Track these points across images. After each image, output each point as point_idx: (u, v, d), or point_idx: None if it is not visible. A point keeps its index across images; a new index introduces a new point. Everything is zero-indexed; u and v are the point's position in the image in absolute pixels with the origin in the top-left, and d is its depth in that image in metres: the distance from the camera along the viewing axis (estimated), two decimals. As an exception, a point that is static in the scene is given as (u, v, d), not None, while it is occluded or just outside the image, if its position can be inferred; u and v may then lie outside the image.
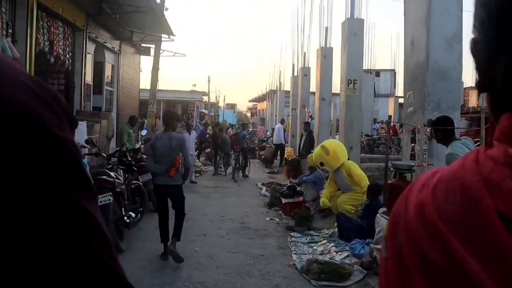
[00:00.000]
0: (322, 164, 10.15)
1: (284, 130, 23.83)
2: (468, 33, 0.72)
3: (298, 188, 12.29)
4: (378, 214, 7.13)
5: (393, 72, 38.95)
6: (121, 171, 9.13)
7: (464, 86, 21.68)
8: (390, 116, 8.39)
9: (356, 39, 12.21)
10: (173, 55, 23.58)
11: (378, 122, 27.47)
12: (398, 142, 24.05)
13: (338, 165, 9.87)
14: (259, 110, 63.79)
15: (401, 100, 38.78)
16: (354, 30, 12.18)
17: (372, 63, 28.42)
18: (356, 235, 8.18)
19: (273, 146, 25.59)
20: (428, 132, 5.67)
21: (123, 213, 7.76)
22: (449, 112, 6.91)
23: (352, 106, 12.28)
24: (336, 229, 9.26)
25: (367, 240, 7.79)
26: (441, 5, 6.89)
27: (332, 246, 8.30)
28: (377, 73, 35.11)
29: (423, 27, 6.93)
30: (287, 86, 32.81)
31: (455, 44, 7.03)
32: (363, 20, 12.51)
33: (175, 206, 7.60)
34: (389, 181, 6.94)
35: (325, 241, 8.74)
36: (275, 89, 40.44)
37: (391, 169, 7.08)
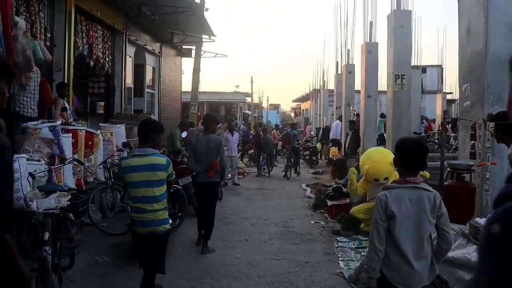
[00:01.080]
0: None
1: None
2: None
3: (344, 190, 11.71)
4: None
5: (440, 68, 37.70)
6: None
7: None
8: (445, 111, 7.74)
9: (403, 31, 11.54)
10: (215, 56, 23.37)
11: (424, 119, 26.52)
12: (448, 139, 23.13)
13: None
14: (303, 109, 63.10)
15: (449, 97, 37.68)
16: (401, 22, 11.51)
17: (418, 59, 27.47)
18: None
19: (316, 145, 25.03)
20: (491, 127, 5.06)
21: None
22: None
23: (400, 103, 11.61)
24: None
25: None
26: (500, -13, 6.26)
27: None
28: (423, 69, 34.02)
29: (481, 12, 6.32)
30: (331, 85, 32.17)
31: (516, 30, 6.39)
32: (410, 11, 11.83)
33: (208, 204, 8.08)
34: (445, 183, 6.33)
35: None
36: (318, 88, 39.76)
37: (448, 169, 6.47)
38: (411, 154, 3.64)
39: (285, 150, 20.03)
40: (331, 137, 22.97)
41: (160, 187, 4.98)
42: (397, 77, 11.48)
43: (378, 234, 3.57)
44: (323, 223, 10.17)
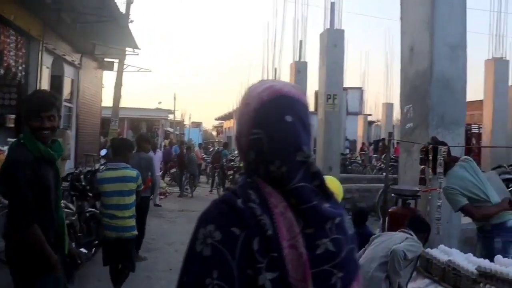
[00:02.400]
0: None
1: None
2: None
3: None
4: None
5: (360, 90, 38.67)
6: (74, 197, 7.93)
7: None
8: (390, 133, 7.47)
9: (336, 51, 11.39)
10: (138, 70, 22.49)
11: (347, 140, 26.97)
12: (370, 160, 23.44)
13: None
14: (225, 128, 62.77)
15: (370, 118, 38.58)
16: (334, 41, 11.36)
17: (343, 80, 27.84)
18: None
19: (240, 165, 24.61)
20: (445, 152, 4.74)
21: (73, 249, 6.61)
22: (453, 128, 6.08)
23: (331, 124, 11.42)
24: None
25: (358, 273, 6.82)
26: (445, 6, 6.06)
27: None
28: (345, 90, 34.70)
29: (426, 31, 6.09)
30: (255, 104, 31.90)
31: (459, 52, 6.21)
32: (343, 30, 11.70)
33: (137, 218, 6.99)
34: (390, 209, 5.98)
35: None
36: (242, 107, 39.48)
37: (392, 194, 6.13)
38: None
39: (214, 169, 20.13)
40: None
41: (130, 196, 5.70)
42: (329, 97, 11.27)
43: None
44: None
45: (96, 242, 7.70)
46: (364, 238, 7.51)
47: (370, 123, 39.00)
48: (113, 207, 5.60)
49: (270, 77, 22.02)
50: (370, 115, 39.15)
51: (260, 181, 1.32)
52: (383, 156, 22.41)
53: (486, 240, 4.78)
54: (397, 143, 10.10)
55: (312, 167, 1.33)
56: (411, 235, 4.30)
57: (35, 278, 3.05)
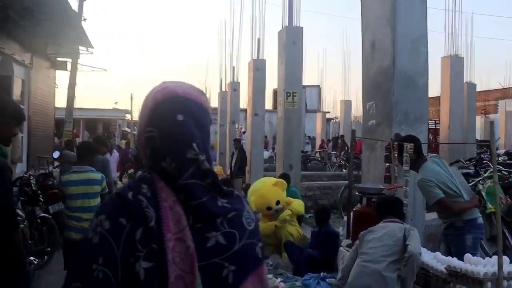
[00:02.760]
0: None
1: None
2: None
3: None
4: (341, 248, 6.04)
5: (318, 87, 38.89)
6: (24, 203, 7.53)
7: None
8: (353, 131, 7.35)
9: (295, 48, 11.25)
10: (93, 70, 21.89)
11: (308, 137, 27.04)
12: (329, 157, 23.50)
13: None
14: (183, 127, 62.07)
15: (328, 115, 38.83)
16: (292, 38, 11.22)
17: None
18: (307, 267, 7.10)
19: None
20: (410, 149, 4.65)
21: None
22: (417, 125, 6.01)
23: (292, 122, 11.29)
24: (279, 258, 8.16)
25: (321, 274, 6.70)
26: (406, 2, 5.98)
27: (281, 282, 7.11)
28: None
29: (387, 27, 6.00)
30: (214, 103, 31.76)
31: (421, 48, 6.15)
32: (302, 28, 11.56)
33: None
34: (355, 208, 5.86)
35: (270, 275, 7.55)
36: (200, 106, 39.01)
37: (357, 193, 6.02)
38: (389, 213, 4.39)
39: None
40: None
41: (95, 199, 5.70)
42: (289, 94, 11.14)
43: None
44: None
45: (49, 249, 7.35)
46: (327, 236, 7.41)
47: (328, 120, 39.27)
48: (78, 210, 5.63)
49: (229, 76, 21.80)
50: (328, 112, 39.45)
51: (155, 177, 1.40)
52: (342, 153, 22.53)
53: (457, 237, 4.75)
54: (358, 140, 10.05)
55: (203, 165, 1.40)
56: (403, 223, 4.23)
57: (19, 275, 3.23)
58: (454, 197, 4.77)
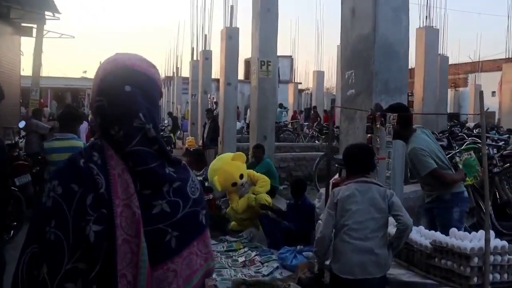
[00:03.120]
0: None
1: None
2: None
3: (207, 184, 10.85)
4: (319, 221, 5.88)
5: (290, 58, 38.59)
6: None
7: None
8: (333, 100, 7.11)
9: (270, 16, 10.96)
10: (60, 37, 21.15)
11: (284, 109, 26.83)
12: (301, 128, 23.39)
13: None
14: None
15: (300, 86, 38.64)
16: (267, 5, 10.91)
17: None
18: (284, 241, 6.97)
19: (171, 135, 24.01)
20: (393, 119, 4.48)
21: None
22: (397, 96, 5.84)
23: (266, 91, 11.06)
24: (255, 231, 8.02)
25: (298, 247, 6.58)
26: (388, -33, 5.75)
27: (256, 256, 6.96)
28: (275, 59, 34.49)
29: (368, -8, 5.75)
30: (185, 72, 31.27)
31: (402, 16, 5.94)
32: (277, -5, 11.23)
33: None
34: (332, 180, 5.68)
35: (245, 249, 7.40)
36: (171, 75, 38.42)
37: (336, 165, 5.84)
38: (358, 161, 3.99)
39: None
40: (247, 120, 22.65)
41: None
42: (263, 63, 10.90)
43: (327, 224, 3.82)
44: (185, 222, 9.16)
45: (15, 223, 7.05)
46: (303, 209, 7.26)
47: (300, 91, 39.10)
48: None
49: (200, 44, 21.35)
50: (300, 83, 39.25)
51: (105, 144, 1.48)
52: (315, 124, 22.43)
53: (444, 210, 4.65)
54: (329, 112, 9.88)
55: (149, 133, 1.47)
56: (381, 185, 3.88)
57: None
58: (444, 169, 4.68)
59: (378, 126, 4.59)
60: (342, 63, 6.32)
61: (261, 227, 7.83)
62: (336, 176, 5.67)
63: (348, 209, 3.69)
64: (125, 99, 1.47)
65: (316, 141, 19.94)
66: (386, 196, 3.72)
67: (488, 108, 8.49)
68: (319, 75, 28.46)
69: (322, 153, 11.27)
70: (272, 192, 8.75)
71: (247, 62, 43.60)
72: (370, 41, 5.69)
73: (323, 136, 20.34)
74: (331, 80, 35.03)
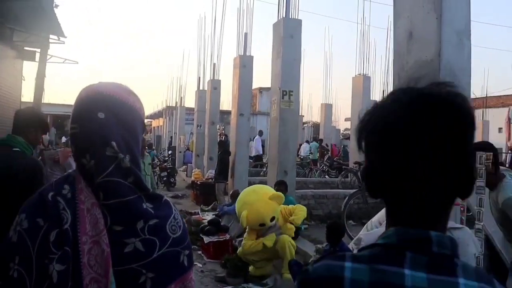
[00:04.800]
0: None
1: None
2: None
3: (222, 223, 10.01)
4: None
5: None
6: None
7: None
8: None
9: (293, 42, 10.28)
10: (63, 62, 20.48)
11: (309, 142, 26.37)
12: (315, 162, 22.47)
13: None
14: (154, 127, 60.71)
15: (303, 119, 38.10)
16: (290, 31, 10.25)
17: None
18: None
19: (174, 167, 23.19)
20: (488, 160, 3.67)
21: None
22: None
23: (287, 122, 10.29)
24: (277, 278, 7.21)
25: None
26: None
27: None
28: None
29: (432, 13, 5.03)
30: (188, 102, 30.68)
31: (465, 41, 5.21)
32: (301, 20, 10.57)
33: None
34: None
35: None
36: (173, 105, 37.75)
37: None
38: None
39: None
40: (253, 153, 22.82)
41: None
42: (285, 93, 10.17)
43: None
44: (200, 265, 8.32)
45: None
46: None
47: (303, 124, 38.63)
48: None
49: (208, 73, 20.71)
50: (303, 116, 38.79)
51: (77, 176, 1.40)
52: (325, 158, 21.65)
53: None
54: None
55: (123, 163, 1.37)
56: None
57: None
58: None
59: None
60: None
61: (287, 274, 7.01)
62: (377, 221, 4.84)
63: None
64: (97, 126, 1.38)
65: (326, 176, 19.15)
66: None
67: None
68: (327, 108, 27.79)
69: (354, 191, 10.44)
70: (295, 233, 7.94)
71: (259, 91, 43.40)
72: (434, 67, 4.94)
73: (334, 171, 19.60)
74: (336, 114, 34.55)
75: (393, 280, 0.97)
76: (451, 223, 2.71)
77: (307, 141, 27.36)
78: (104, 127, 1.38)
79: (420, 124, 1.01)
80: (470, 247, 2.79)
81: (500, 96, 36.56)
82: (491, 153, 3.75)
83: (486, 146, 3.98)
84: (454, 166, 1.00)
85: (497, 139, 23.65)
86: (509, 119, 26.91)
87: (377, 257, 1.01)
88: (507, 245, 4.10)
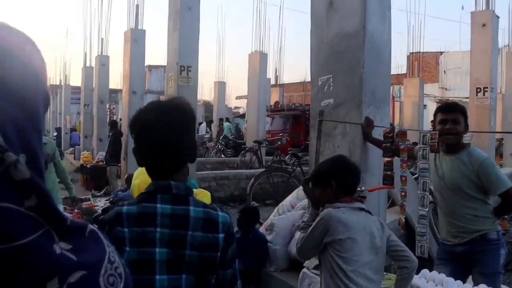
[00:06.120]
0: None
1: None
2: None
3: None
4: (304, 270, 4.64)
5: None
6: None
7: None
8: (322, 112, 5.87)
9: (191, 14, 9.61)
10: None
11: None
12: (210, 140, 22.06)
13: None
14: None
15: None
16: (189, 3, 9.58)
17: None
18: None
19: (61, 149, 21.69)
20: (433, 140, 3.33)
21: None
22: (382, 107, 4.79)
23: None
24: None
25: (251, 288, 5.36)
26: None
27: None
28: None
29: (354, -20, 4.66)
30: (74, 81, 28.93)
31: (386, 12, 4.93)
32: (199, -8, 9.91)
33: None
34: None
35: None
36: (58, 83, 35.40)
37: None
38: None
39: None
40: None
41: None
42: (183, 68, 9.52)
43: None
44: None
45: None
46: (256, 242, 5.95)
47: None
48: None
49: (96, 49, 19.41)
50: (195, 94, 38.04)
51: None
52: (221, 138, 21.19)
53: (489, 254, 3.49)
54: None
55: (15, 172, 0.63)
56: (372, 214, 2.92)
57: None
58: None
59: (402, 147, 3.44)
60: (314, 66, 5.15)
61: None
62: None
63: (347, 249, 2.71)
64: None
65: (222, 156, 18.76)
66: (383, 229, 2.82)
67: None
68: (221, 86, 27.30)
69: (260, 171, 10.06)
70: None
71: (149, 68, 41.84)
72: (358, 40, 4.59)
73: (230, 150, 19.25)
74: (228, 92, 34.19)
75: (150, 210, 1.68)
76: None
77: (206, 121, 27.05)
78: None
79: (161, 119, 1.72)
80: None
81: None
82: (436, 132, 3.42)
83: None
84: (184, 142, 1.74)
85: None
86: (393, 97, 28.07)
87: (142, 199, 1.72)
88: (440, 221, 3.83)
